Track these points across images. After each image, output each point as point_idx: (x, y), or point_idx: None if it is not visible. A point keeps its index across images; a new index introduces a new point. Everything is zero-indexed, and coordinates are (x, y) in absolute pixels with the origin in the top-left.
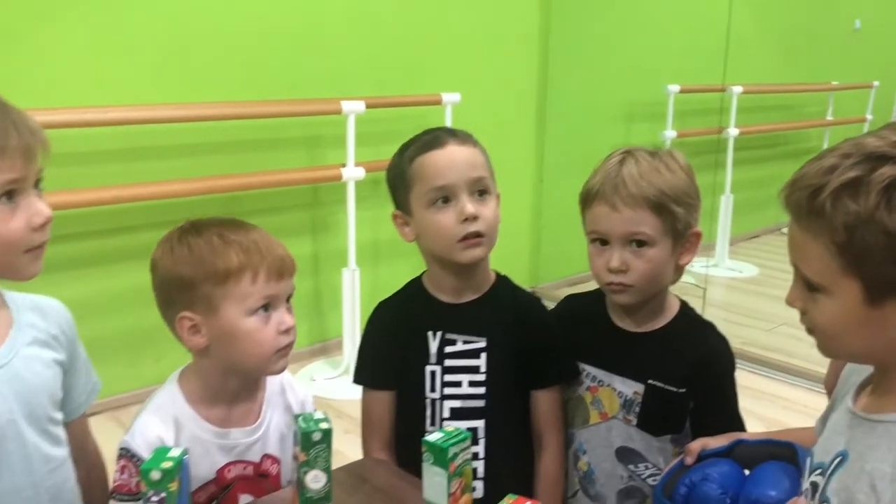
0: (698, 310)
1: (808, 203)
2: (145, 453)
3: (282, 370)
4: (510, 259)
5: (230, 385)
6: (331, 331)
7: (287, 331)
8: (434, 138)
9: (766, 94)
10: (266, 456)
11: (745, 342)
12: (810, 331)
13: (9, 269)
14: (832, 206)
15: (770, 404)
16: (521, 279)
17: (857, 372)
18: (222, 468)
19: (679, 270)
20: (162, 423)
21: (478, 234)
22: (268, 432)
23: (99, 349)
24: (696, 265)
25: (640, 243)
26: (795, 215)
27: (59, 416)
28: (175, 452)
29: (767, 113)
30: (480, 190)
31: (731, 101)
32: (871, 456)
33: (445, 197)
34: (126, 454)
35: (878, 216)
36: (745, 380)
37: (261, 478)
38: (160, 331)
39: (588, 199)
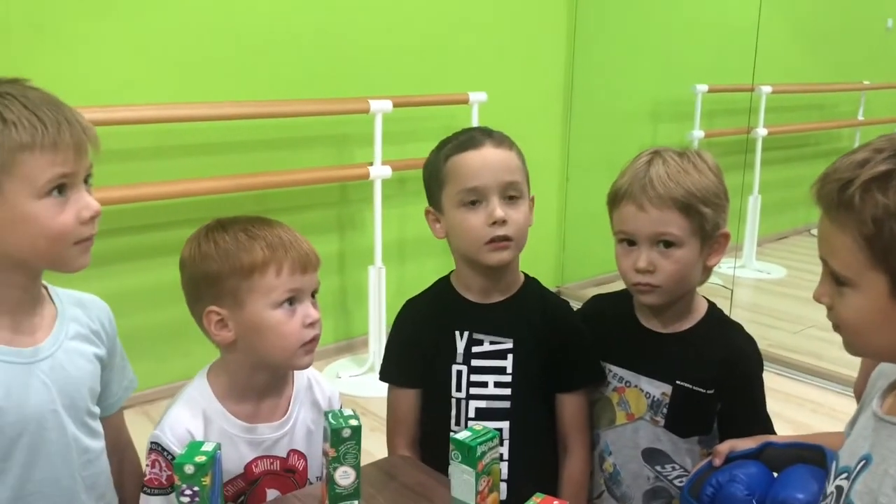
0: (725, 311)
1: (837, 196)
2: (175, 447)
3: (308, 365)
4: (536, 258)
5: (258, 380)
6: (357, 328)
7: (312, 324)
8: (470, 138)
9: (796, 94)
10: (293, 451)
11: (773, 344)
12: (836, 327)
13: (59, 261)
14: (861, 198)
15: (798, 407)
16: (547, 279)
17: (885, 375)
18: (250, 463)
19: (707, 271)
20: (191, 417)
21: (506, 238)
22: (295, 428)
23: (128, 344)
24: (724, 266)
25: (668, 244)
26: (826, 208)
27: (96, 409)
28: (209, 447)
29: (797, 113)
30: (512, 194)
31: (759, 101)
32: (895, 459)
33: (476, 199)
34: (156, 448)
35: None
36: (773, 382)
37: (287, 473)
38: (189, 326)
39: (616, 199)
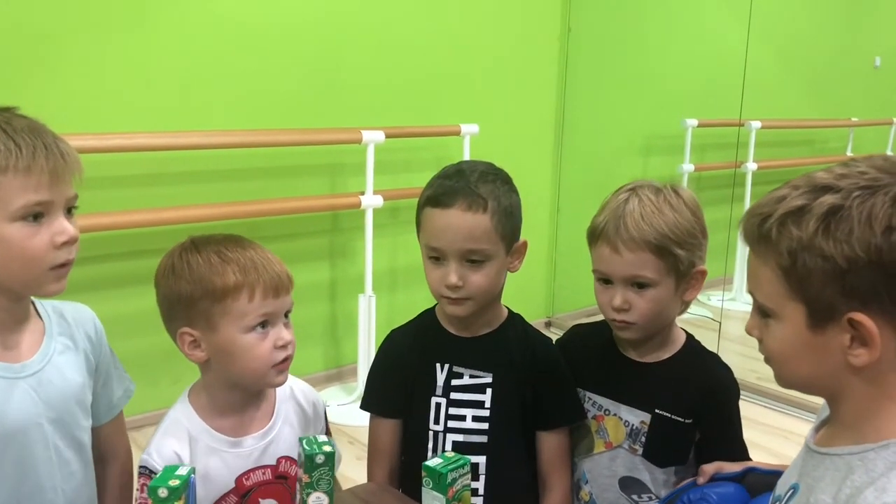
0: (714, 344)
1: (757, 230)
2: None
3: (281, 383)
4: (527, 289)
5: (236, 397)
6: (346, 356)
7: (284, 346)
8: (444, 193)
9: (786, 129)
10: (282, 457)
11: (761, 377)
12: (767, 360)
13: (33, 285)
14: (778, 231)
15: (784, 441)
16: (538, 310)
17: (825, 409)
18: (240, 476)
19: (685, 304)
20: (177, 439)
21: (461, 297)
22: (280, 433)
23: None
24: (713, 299)
25: (642, 285)
26: (749, 243)
27: (87, 423)
28: (183, 471)
29: (787, 148)
30: (474, 258)
31: (749, 136)
32: (817, 487)
33: (438, 256)
34: (145, 472)
35: (817, 241)
36: (761, 416)
37: (279, 480)
38: (178, 353)
39: (593, 237)
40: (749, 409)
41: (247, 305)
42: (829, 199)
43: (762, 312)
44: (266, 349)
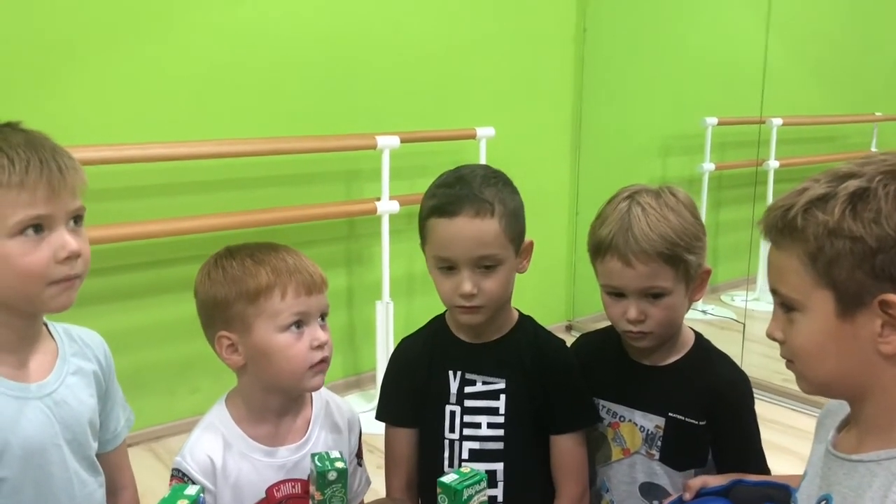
0: (738, 346)
1: (781, 221)
2: (196, 473)
3: (318, 386)
4: (547, 293)
5: (273, 403)
6: (364, 364)
7: (321, 346)
8: (449, 202)
9: (808, 126)
10: None
11: (787, 379)
12: (790, 362)
13: (35, 301)
14: (803, 218)
15: (810, 443)
16: (558, 313)
17: (832, 413)
18: (271, 487)
19: (691, 303)
20: (212, 442)
21: (475, 306)
22: (315, 449)
23: (136, 381)
24: (737, 299)
25: (657, 295)
26: (772, 237)
27: (95, 445)
28: (192, 490)
29: (809, 144)
30: (486, 264)
31: (770, 134)
32: (856, 497)
33: (450, 265)
34: (177, 475)
35: (845, 224)
36: (786, 418)
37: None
38: (196, 363)
39: (599, 250)
40: (774, 412)
41: (280, 304)
42: (853, 184)
43: (786, 307)
44: (302, 349)
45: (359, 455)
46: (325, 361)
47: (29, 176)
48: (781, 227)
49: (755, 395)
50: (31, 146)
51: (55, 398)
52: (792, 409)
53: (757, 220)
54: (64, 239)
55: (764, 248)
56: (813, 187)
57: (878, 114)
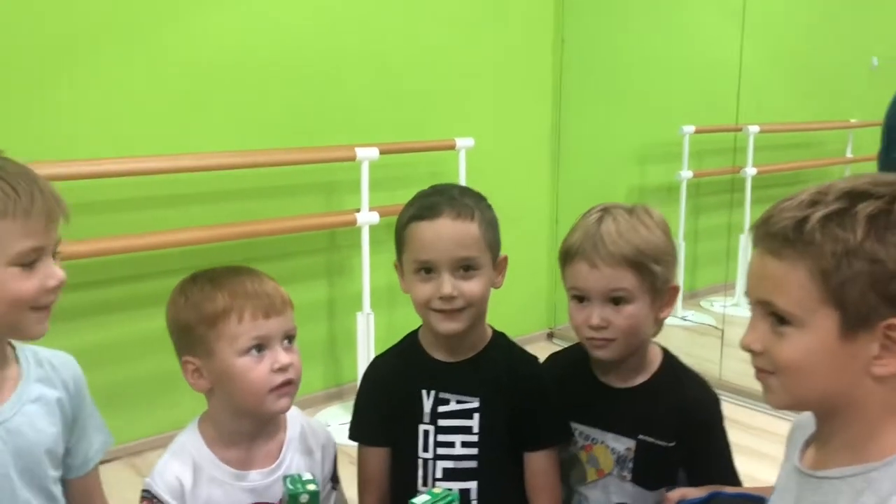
0: (717, 351)
1: (793, 232)
2: (166, 495)
3: (284, 409)
4: (528, 301)
5: (244, 426)
6: (345, 375)
7: (283, 369)
8: (430, 206)
9: (784, 133)
10: None
11: None
12: (766, 374)
13: (17, 327)
14: (821, 233)
15: None
16: (539, 321)
17: (802, 427)
18: None
19: (659, 323)
20: (181, 465)
21: (455, 309)
22: (287, 473)
23: (115, 396)
24: (716, 305)
25: (619, 300)
26: (774, 247)
27: (56, 473)
28: None
29: (786, 151)
30: (467, 265)
31: (747, 141)
32: None
33: (429, 268)
34: (147, 496)
35: (867, 245)
36: (766, 424)
37: None
38: (176, 377)
39: (568, 256)
40: (754, 418)
41: (237, 327)
42: (873, 204)
43: (779, 320)
44: (262, 372)
45: (334, 479)
46: (290, 384)
47: (34, 206)
48: (793, 239)
49: (734, 402)
50: (27, 177)
51: (8, 427)
52: (772, 414)
53: (736, 227)
54: (52, 268)
55: (743, 255)
56: (824, 200)
57: (853, 120)
